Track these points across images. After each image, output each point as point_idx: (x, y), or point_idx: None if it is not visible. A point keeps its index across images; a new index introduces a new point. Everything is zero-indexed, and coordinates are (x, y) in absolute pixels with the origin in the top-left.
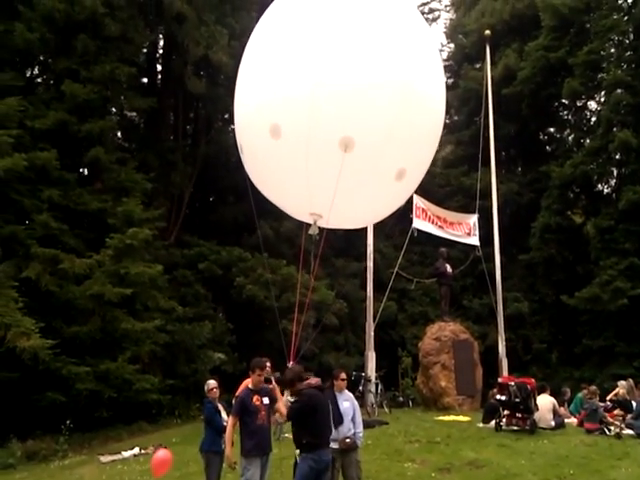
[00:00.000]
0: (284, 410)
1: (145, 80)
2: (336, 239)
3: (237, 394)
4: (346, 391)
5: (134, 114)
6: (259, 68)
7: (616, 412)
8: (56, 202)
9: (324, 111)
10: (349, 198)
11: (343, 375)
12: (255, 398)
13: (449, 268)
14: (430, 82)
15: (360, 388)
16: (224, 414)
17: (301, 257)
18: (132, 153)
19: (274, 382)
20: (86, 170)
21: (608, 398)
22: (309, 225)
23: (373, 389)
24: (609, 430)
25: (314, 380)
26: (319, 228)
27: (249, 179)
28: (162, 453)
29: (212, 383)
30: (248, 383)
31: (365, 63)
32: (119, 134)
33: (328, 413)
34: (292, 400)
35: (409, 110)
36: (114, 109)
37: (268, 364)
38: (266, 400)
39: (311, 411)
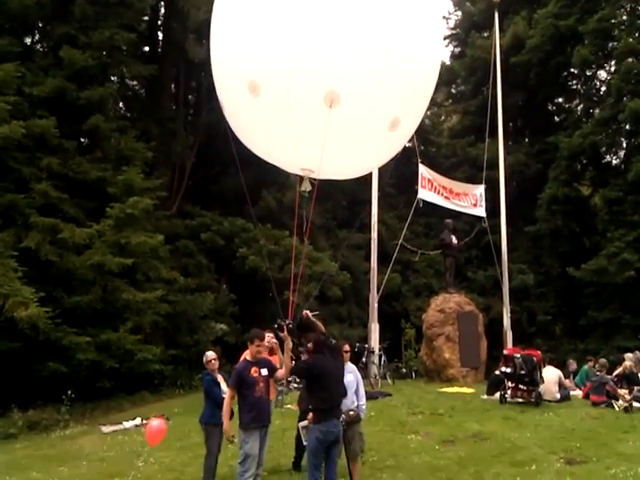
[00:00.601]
0: (283, 371)
1: (146, 49)
2: (339, 210)
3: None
4: (349, 363)
5: (135, 82)
6: (233, 19)
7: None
8: (55, 171)
9: (305, 65)
10: (341, 152)
11: (346, 347)
12: (253, 370)
13: (455, 239)
14: (420, 31)
15: (363, 360)
16: (224, 385)
17: (295, 221)
18: (133, 122)
19: (285, 331)
20: (86, 139)
21: (615, 374)
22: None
23: (376, 361)
24: (617, 403)
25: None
26: (313, 182)
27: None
28: (156, 423)
29: (211, 354)
30: (247, 355)
31: (350, 14)
32: (120, 103)
33: (337, 380)
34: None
35: (398, 61)
36: (114, 77)
37: (271, 335)
38: (264, 371)
39: (318, 373)
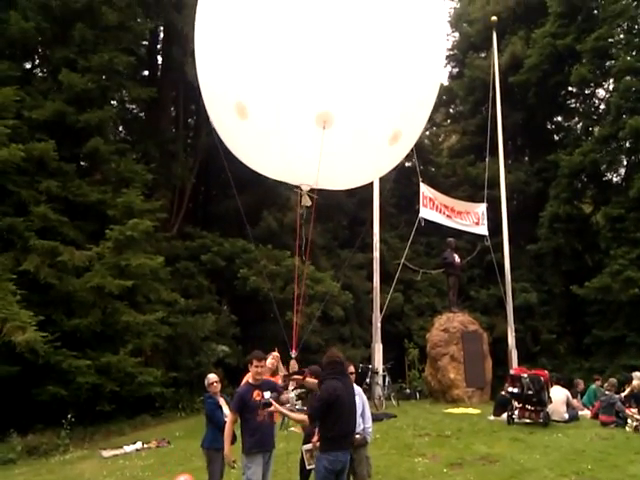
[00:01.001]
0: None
1: (146, 72)
2: (340, 230)
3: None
4: (354, 385)
5: (134, 106)
6: (218, 37)
7: (631, 411)
8: (55, 193)
9: (296, 87)
10: (339, 167)
11: (351, 369)
12: (255, 393)
13: (457, 258)
14: (419, 42)
15: (367, 381)
16: (226, 409)
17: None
18: (132, 144)
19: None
20: (85, 161)
21: (624, 395)
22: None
23: (380, 381)
24: (626, 423)
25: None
26: (311, 196)
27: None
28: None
29: (212, 377)
30: (249, 377)
31: (343, 29)
32: (119, 125)
33: (349, 408)
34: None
35: (396, 75)
36: (114, 101)
37: (276, 354)
38: (267, 394)
39: (332, 402)
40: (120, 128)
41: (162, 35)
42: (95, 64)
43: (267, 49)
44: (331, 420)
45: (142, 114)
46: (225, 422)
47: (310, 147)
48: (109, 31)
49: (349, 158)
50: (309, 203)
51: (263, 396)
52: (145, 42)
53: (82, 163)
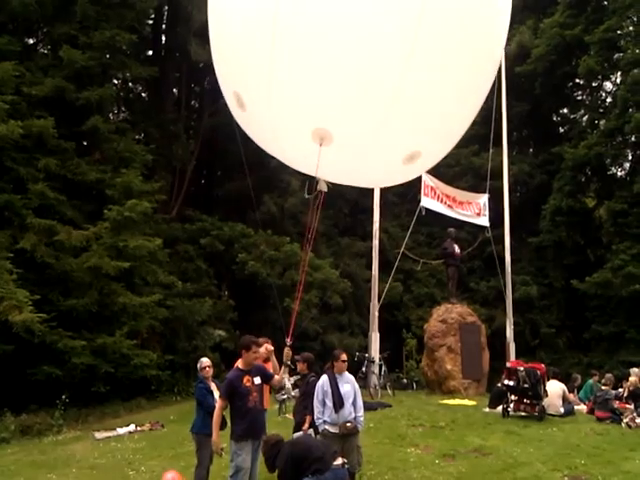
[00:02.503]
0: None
1: (150, 53)
2: (341, 217)
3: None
4: (347, 373)
5: (137, 85)
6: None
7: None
8: (53, 172)
9: (291, 95)
10: (346, 176)
11: (344, 356)
12: (245, 379)
13: (457, 249)
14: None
15: (363, 369)
16: (217, 394)
17: (309, 232)
18: (133, 124)
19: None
20: (85, 140)
21: (622, 391)
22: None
23: (376, 370)
24: (620, 420)
25: None
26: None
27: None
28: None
29: (205, 361)
30: (238, 363)
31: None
32: (121, 104)
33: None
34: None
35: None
36: (116, 80)
37: (270, 347)
38: (257, 380)
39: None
40: (121, 108)
41: (166, 14)
42: (96, 41)
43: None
44: None
45: (144, 94)
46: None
47: (308, 160)
48: (112, 8)
49: (356, 173)
50: (325, 189)
51: (253, 382)
52: (150, 21)
53: (82, 142)
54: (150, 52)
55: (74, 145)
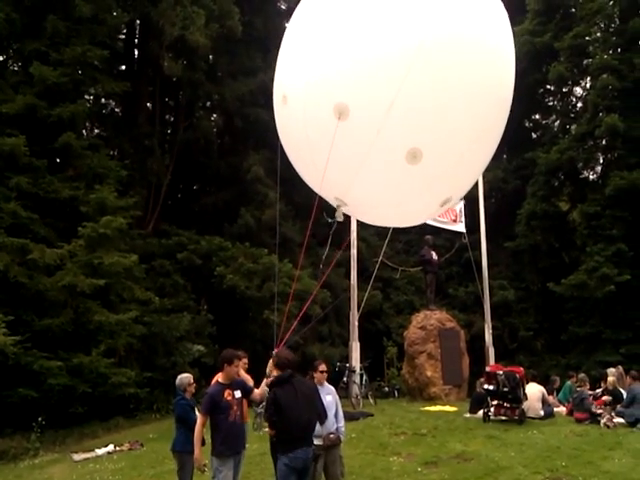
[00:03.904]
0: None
1: (123, 67)
2: (319, 227)
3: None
4: (327, 384)
5: (110, 101)
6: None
7: (604, 398)
8: (25, 190)
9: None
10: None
11: (323, 367)
12: (226, 393)
13: (435, 256)
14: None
15: (344, 379)
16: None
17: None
18: (107, 140)
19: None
20: (57, 157)
21: (599, 392)
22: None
23: (358, 380)
24: (598, 420)
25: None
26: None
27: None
28: None
29: (188, 377)
30: (218, 377)
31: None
32: (94, 120)
33: (298, 406)
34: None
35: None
36: (88, 96)
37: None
38: (238, 394)
39: (276, 408)
40: (95, 123)
41: (138, 29)
42: (68, 57)
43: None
44: (282, 424)
45: (118, 109)
46: None
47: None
48: (82, 24)
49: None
50: (341, 218)
51: (234, 395)
52: (122, 36)
53: (54, 159)
54: (123, 67)
55: (46, 162)
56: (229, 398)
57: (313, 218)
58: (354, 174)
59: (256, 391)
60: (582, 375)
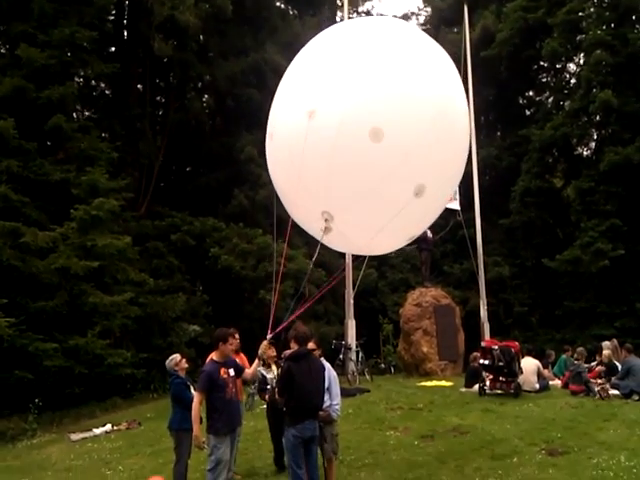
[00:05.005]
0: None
1: (112, 49)
2: None
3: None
4: (323, 361)
5: (100, 83)
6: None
7: (598, 368)
8: (15, 173)
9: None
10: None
11: (311, 345)
12: (222, 371)
13: (429, 233)
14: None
15: (340, 357)
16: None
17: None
18: (98, 122)
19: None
20: (47, 140)
21: (595, 364)
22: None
23: (354, 357)
24: (594, 393)
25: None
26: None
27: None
28: None
29: (175, 356)
30: (213, 356)
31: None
32: (84, 102)
33: (311, 381)
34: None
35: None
36: (77, 78)
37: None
38: (232, 372)
39: (287, 381)
40: (85, 106)
41: (127, 10)
42: (56, 39)
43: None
44: (294, 398)
45: (108, 91)
46: None
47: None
48: (70, 5)
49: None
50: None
51: (229, 374)
52: (111, 17)
53: (44, 141)
54: (112, 48)
55: (36, 145)
56: (225, 376)
57: None
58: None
59: (247, 371)
60: (580, 349)
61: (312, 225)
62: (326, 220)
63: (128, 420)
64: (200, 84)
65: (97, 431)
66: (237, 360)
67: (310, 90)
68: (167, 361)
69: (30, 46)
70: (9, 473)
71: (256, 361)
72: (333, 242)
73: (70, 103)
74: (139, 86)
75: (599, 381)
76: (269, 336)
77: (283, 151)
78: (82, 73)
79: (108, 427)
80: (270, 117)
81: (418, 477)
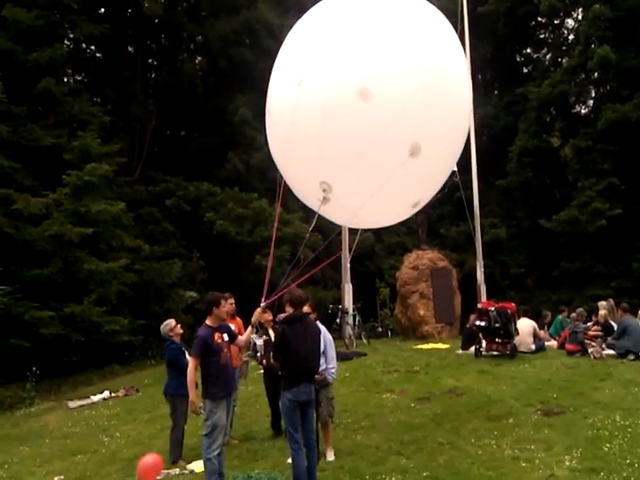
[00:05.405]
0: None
1: (102, 11)
2: None
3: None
4: (319, 325)
5: (90, 45)
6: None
7: (594, 328)
8: (6, 138)
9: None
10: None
11: (306, 309)
12: (217, 336)
13: None
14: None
15: (337, 321)
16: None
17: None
18: (88, 85)
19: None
20: (37, 104)
21: (592, 324)
22: None
23: (350, 321)
24: (588, 353)
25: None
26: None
27: None
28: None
29: (172, 321)
30: (207, 321)
31: None
32: (73, 65)
33: (306, 345)
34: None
35: None
36: (67, 41)
37: (232, 301)
38: (226, 337)
39: (282, 344)
40: (75, 69)
41: None
42: None
43: None
44: (288, 361)
45: (99, 54)
46: None
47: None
48: None
49: None
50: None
51: (223, 338)
52: None
53: (34, 106)
54: (102, 10)
55: (26, 110)
56: (219, 341)
57: None
58: None
59: (240, 338)
60: (580, 309)
61: (313, 200)
62: (324, 190)
63: (126, 387)
64: (192, 45)
65: (95, 398)
66: (232, 325)
67: (299, 60)
68: (162, 326)
69: (16, 6)
70: (7, 441)
71: (249, 328)
72: (333, 214)
73: (59, 66)
74: (130, 49)
75: (593, 343)
76: (263, 303)
77: (279, 126)
78: (71, 35)
79: (106, 394)
80: (268, 92)
81: (414, 439)
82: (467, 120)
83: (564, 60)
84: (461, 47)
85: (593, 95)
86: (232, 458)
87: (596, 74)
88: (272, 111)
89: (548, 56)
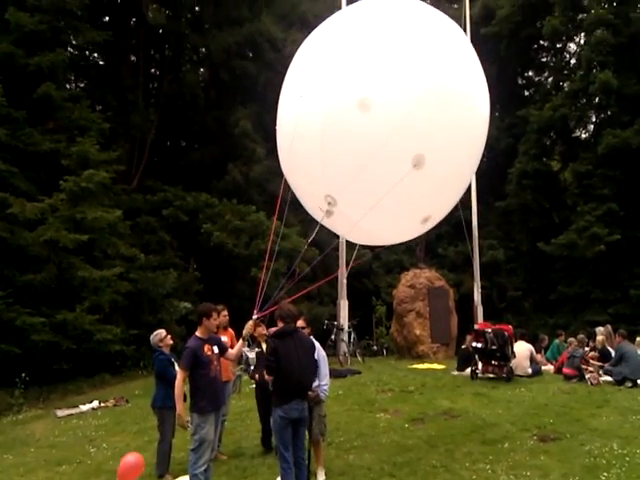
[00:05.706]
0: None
1: (106, 18)
2: None
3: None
4: (313, 340)
5: (92, 52)
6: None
7: (592, 354)
8: (4, 142)
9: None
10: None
11: (300, 323)
12: (206, 348)
13: None
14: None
15: (332, 337)
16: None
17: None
18: (89, 92)
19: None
20: (37, 108)
21: (589, 350)
22: None
23: (346, 338)
24: (585, 379)
25: (280, 326)
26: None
27: None
28: (132, 458)
29: (159, 332)
30: (197, 332)
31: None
32: (75, 71)
33: (297, 360)
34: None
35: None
36: (69, 47)
37: (225, 313)
38: (216, 349)
39: (274, 361)
40: (77, 75)
41: None
42: (46, 3)
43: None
44: (279, 377)
45: (101, 62)
46: None
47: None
48: None
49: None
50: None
51: (213, 351)
52: None
53: (33, 110)
54: (106, 18)
55: (25, 114)
56: (209, 353)
57: None
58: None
59: (231, 351)
60: (581, 336)
61: (319, 213)
62: (329, 204)
63: (115, 397)
64: (195, 56)
65: (84, 407)
66: (225, 337)
67: (302, 75)
68: (152, 336)
69: (19, 10)
70: None
71: (240, 341)
72: (338, 227)
73: (61, 71)
74: (132, 57)
75: (590, 368)
76: (255, 316)
77: (284, 139)
78: (74, 42)
79: (95, 404)
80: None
81: (407, 461)
82: (482, 135)
83: (565, 84)
84: (475, 54)
85: (594, 120)
86: (220, 474)
87: (597, 99)
88: (280, 124)
89: (550, 79)
